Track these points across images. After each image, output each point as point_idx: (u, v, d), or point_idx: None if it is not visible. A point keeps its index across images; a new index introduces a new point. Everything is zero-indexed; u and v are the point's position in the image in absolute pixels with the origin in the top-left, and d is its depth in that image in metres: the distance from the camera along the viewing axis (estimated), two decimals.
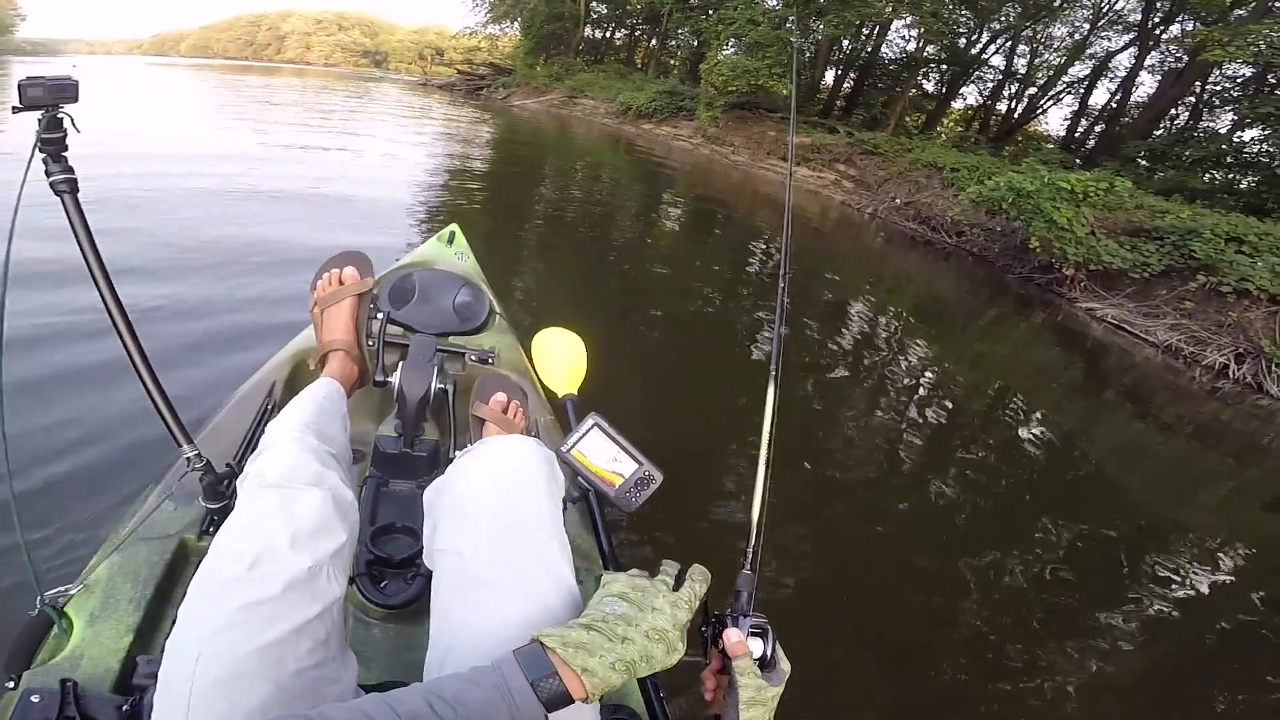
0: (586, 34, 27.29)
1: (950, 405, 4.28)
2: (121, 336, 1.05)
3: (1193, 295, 6.49)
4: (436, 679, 0.63)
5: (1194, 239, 6.81)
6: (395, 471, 1.41)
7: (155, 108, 11.93)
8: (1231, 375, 5.76)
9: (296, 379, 1.62)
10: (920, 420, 3.93)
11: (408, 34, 69.54)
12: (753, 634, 0.76)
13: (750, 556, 0.87)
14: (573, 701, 0.63)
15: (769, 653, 0.76)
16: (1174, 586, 2.77)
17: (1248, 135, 11.52)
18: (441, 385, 1.45)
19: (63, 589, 0.98)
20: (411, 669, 0.82)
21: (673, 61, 24.05)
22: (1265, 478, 4.35)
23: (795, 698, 0.76)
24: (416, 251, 2.27)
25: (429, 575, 0.98)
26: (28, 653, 0.91)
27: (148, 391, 1.08)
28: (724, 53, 14.78)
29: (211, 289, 3.40)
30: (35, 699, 0.80)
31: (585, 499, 1.32)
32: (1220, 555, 3.13)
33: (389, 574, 1.18)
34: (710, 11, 17.86)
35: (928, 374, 4.80)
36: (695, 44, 19.44)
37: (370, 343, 1.36)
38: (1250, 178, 11.11)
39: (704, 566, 0.78)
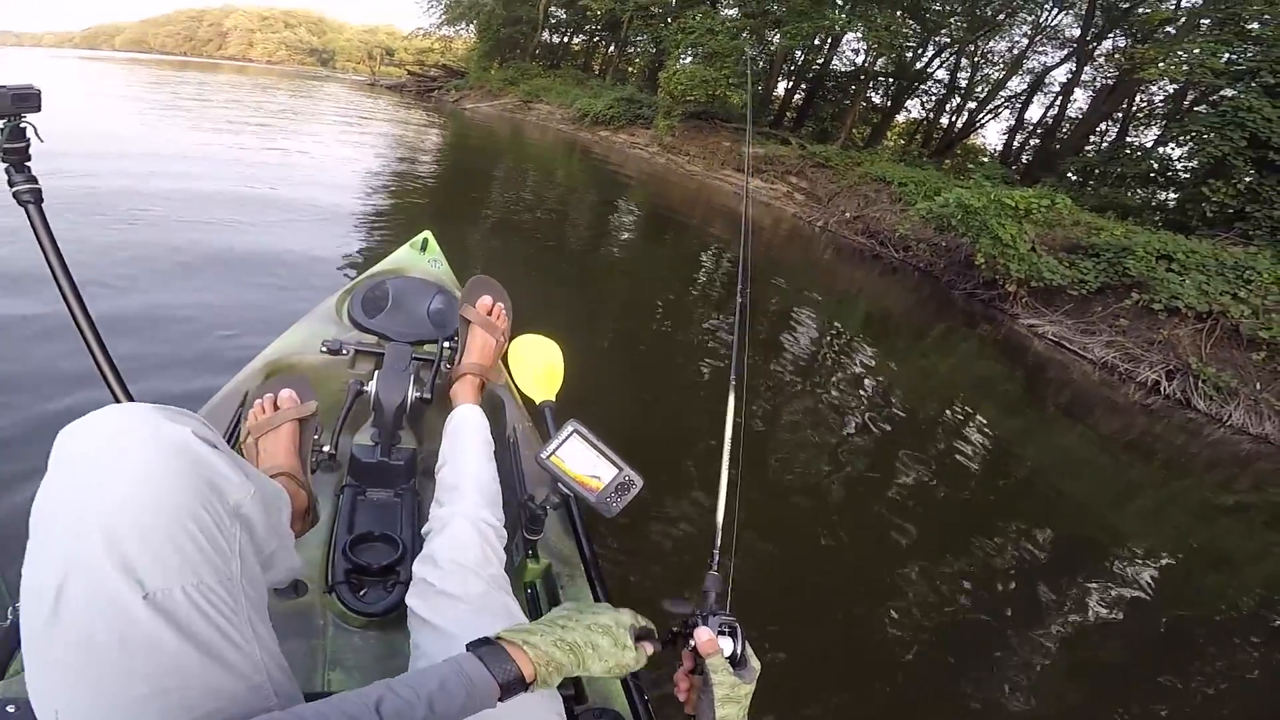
0: (544, 39, 27.08)
1: (900, 416, 4.44)
2: (90, 349, 1.05)
3: (1127, 312, 6.82)
4: (393, 679, 0.64)
5: (1128, 256, 7.14)
6: (372, 480, 1.41)
7: (91, 105, 11.34)
8: (1163, 391, 6.09)
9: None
10: (872, 430, 4.07)
11: (357, 33, 68.26)
12: (722, 633, 0.79)
13: (717, 558, 0.90)
14: (523, 678, 0.67)
15: (739, 651, 0.79)
16: (1109, 590, 2.96)
17: (1174, 152, 12.14)
18: (417, 393, 1.46)
19: None
20: (395, 675, 0.83)
21: (631, 69, 24.03)
22: (1192, 488, 4.63)
23: (764, 694, 0.80)
24: (389, 259, 2.26)
25: (409, 582, 1.01)
26: (2, 662, 0.88)
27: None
28: (682, 61, 14.90)
29: (175, 297, 3.36)
30: (10, 709, 0.77)
31: (566, 505, 1.40)
32: (1151, 561, 3.34)
33: (368, 582, 1.18)
34: (670, 20, 17.97)
35: (878, 386, 4.95)
36: (655, 51, 19.48)
37: (314, 473, 1.29)
38: (1173, 194, 11.70)
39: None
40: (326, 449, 1.36)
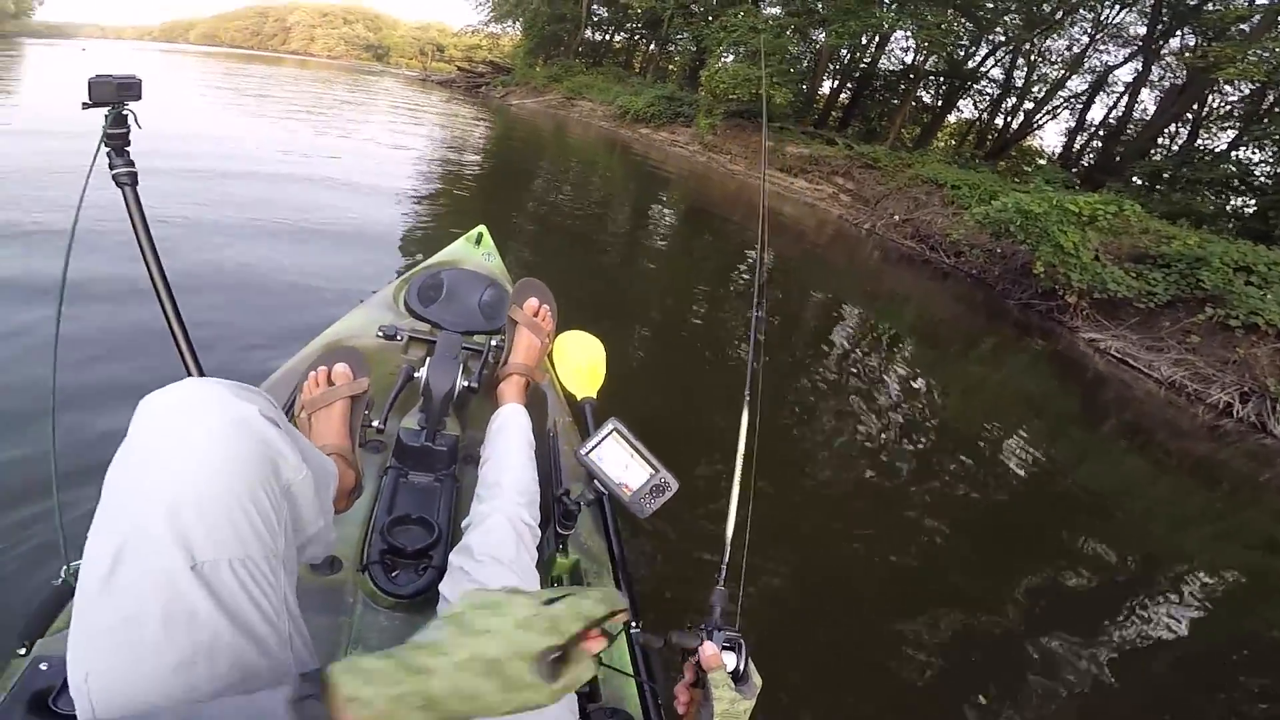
0: (586, 36, 27.32)
1: (940, 429, 4.21)
2: (169, 322, 1.13)
3: (1199, 328, 6.33)
4: (201, 704, 0.52)
5: (1202, 268, 6.65)
6: (415, 464, 1.43)
7: (172, 95, 11.80)
8: (1235, 414, 5.60)
9: None
10: (909, 442, 3.87)
11: (410, 29, 70.17)
12: (726, 648, 0.77)
13: (724, 572, 0.89)
14: None
15: (741, 666, 0.77)
16: (1153, 618, 2.76)
17: (1253, 156, 11.41)
18: (465, 382, 1.49)
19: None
20: None
21: (671, 67, 24.07)
22: (1260, 518, 4.24)
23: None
24: (445, 250, 2.32)
25: (441, 568, 1.06)
26: (44, 621, 0.92)
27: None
28: (724, 60, 14.60)
29: (255, 271, 3.55)
30: (44, 666, 0.81)
31: (599, 502, 1.43)
32: (1203, 592, 3.09)
33: (401, 564, 1.18)
34: (712, 18, 17.71)
35: (920, 396, 4.70)
36: (695, 50, 19.27)
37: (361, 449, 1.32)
38: (1253, 201, 10.99)
39: (615, 591, 0.67)
40: (376, 424, 1.40)
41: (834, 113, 18.35)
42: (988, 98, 18.32)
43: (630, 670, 1.09)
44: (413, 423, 1.47)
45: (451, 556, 1.05)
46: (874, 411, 4.12)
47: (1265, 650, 2.80)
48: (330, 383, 1.27)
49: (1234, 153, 12.64)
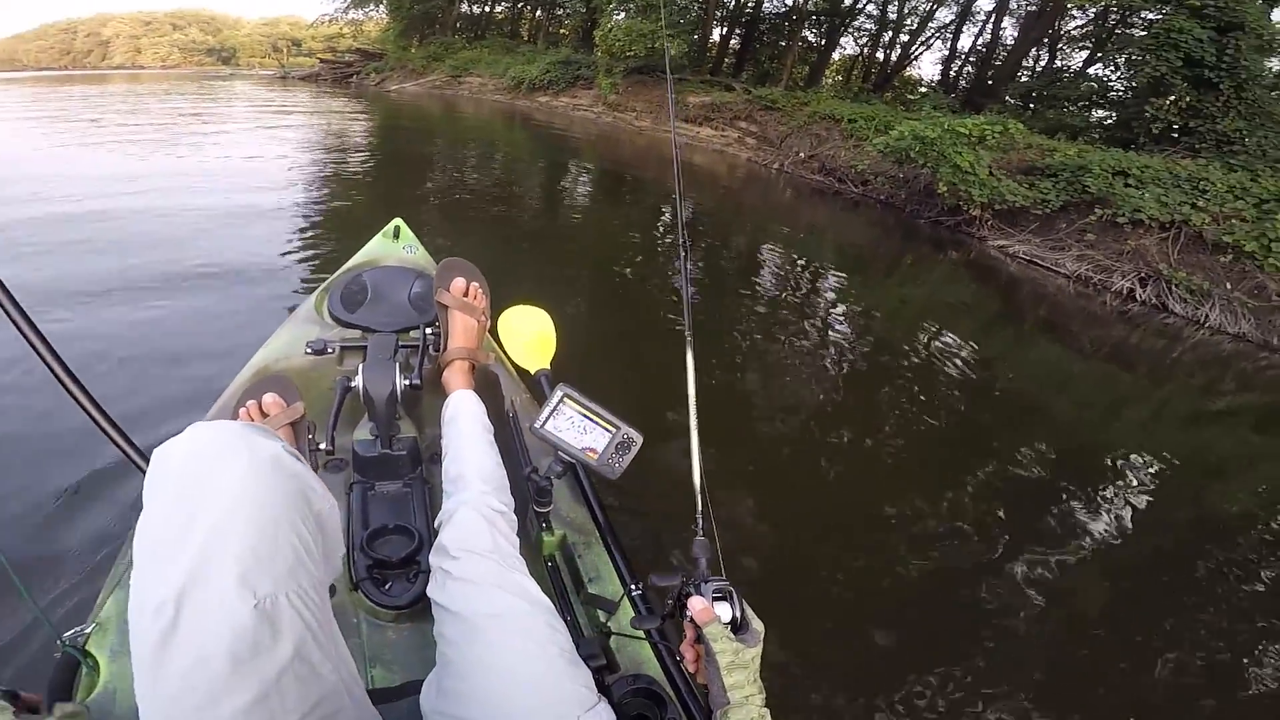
0: (464, 10, 26.07)
1: (877, 347, 4.45)
2: (55, 373, 1.02)
3: (1092, 227, 7.00)
4: None
5: (1085, 175, 7.31)
6: (379, 473, 1.40)
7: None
8: (1138, 298, 6.29)
9: None
10: (850, 364, 4.09)
11: (256, 27, 64.12)
12: (717, 599, 0.77)
13: (701, 523, 0.89)
14: None
15: (739, 615, 0.77)
16: (1104, 505, 2.95)
17: (1108, 73, 12.42)
18: (406, 381, 1.42)
19: (79, 629, 0.99)
20: (432, 665, 0.85)
21: (563, 31, 23.39)
22: (1179, 394, 4.76)
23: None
24: (362, 251, 2.21)
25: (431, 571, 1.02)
26: (66, 690, 0.93)
27: (94, 421, 1.06)
28: (616, 18, 14.52)
29: (141, 328, 3.16)
30: None
31: (572, 472, 1.39)
32: (1144, 472, 3.34)
33: (391, 575, 1.18)
34: None
35: (854, 320, 4.95)
36: (585, 10, 18.94)
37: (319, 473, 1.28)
38: (1108, 113, 11.98)
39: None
40: (324, 447, 1.33)
41: (727, 59, 18.60)
42: (867, 34, 19.04)
43: (641, 633, 1.05)
44: (365, 433, 1.43)
45: (430, 558, 1.01)
46: (812, 340, 4.34)
47: (1212, 525, 3.04)
48: (263, 414, 1.23)
49: (1090, 69, 13.79)
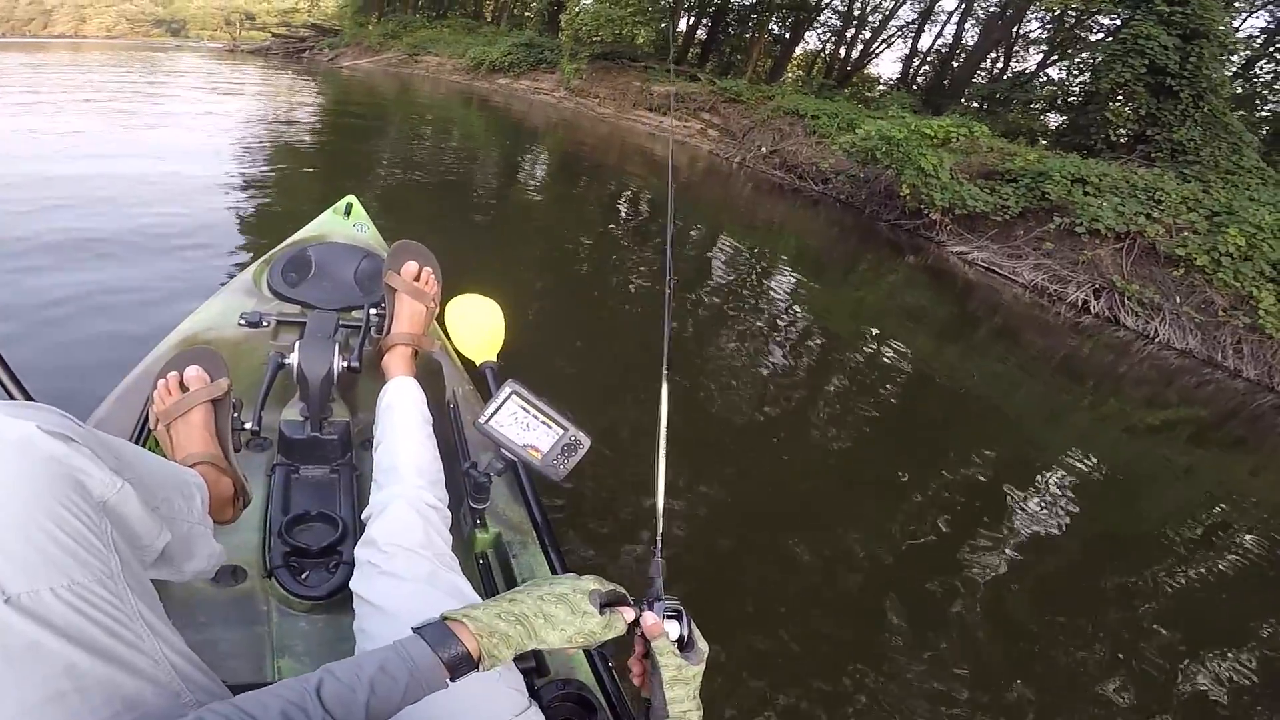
0: None
1: (834, 352, 4.46)
2: None
3: (1050, 235, 7.01)
4: (333, 663, 0.61)
5: (1045, 181, 7.31)
6: (305, 457, 1.35)
7: None
8: (1092, 310, 6.31)
9: None
10: (805, 371, 4.08)
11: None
12: (669, 617, 0.78)
13: (660, 545, 0.89)
14: (470, 655, 0.65)
15: (686, 634, 0.78)
16: (1041, 510, 3.07)
17: (1065, 76, 12.55)
18: (345, 363, 1.36)
19: None
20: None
21: (528, 13, 22.81)
22: (1123, 407, 4.80)
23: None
24: (311, 225, 2.12)
25: (354, 563, 0.99)
26: None
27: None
28: (584, 2, 14.18)
29: (69, 284, 3.03)
30: None
31: (513, 469, 1.35)
32: (1083, 480, 3.47)
33: (309, 564, 1.14)
34: None
35: (812, 326, 4.90)
36: None
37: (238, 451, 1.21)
38: (1065, 118, 12.11)
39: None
40: (249, 426, 1.26)
41: (692, 49, 18.41)
42: (830, 29, 19.05)
43: None
44: (295, 414, 1.38)
45: (357, 551, 0.99)
46: (773, 349, 4.28)
47: (1145, 530, 3.19)
48: (184, 388, 1.16)
49: (1045, 72, 13.97)
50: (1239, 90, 11.00)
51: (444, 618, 0.67)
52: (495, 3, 25.63)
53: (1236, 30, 9.96)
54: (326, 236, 2.02)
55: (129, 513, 0.71)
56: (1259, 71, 12.27)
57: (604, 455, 2.27)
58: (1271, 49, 12.11)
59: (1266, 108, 11.85)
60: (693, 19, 18.65)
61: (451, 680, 0.64)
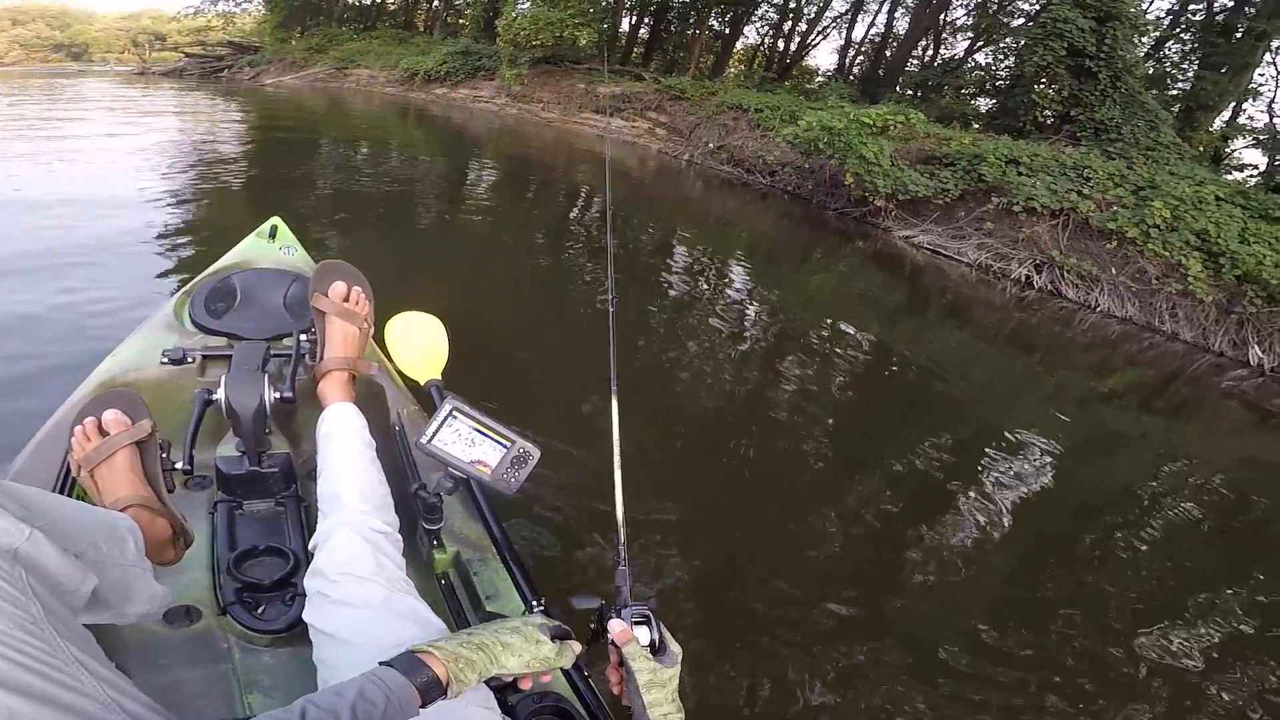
0: (350, 0, 24.64)
1: (792, 344, 4.51)
2: None
3: (990, 215, 7.31)
4: (313, 693, 0.65)
5: (981, 163, 7.63)
6: (247, 492, 1.32)
7: None
8: (1035, 285, 6.61)
9: None
10: (761, 361, 4.14)
11: (113, 20, 58.12)
12: (638, 622, 0.81)
13: (624, 552, 0.91)
14: (440, 680, 0.70)
15: (657, 638, 0.81)
16: (1005, 483, 3.10)
17: (990, 60, 13.07)
18: (277, 393, 1.31)
19: None
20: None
21: (462, 21, 22.40)
22: (1074, 375, 5.02)
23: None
24: (233, 252, 2.02)
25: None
26: None
27: None
28: (521, 6, 14.10)
29: None
30: None
31: (466, 487, 1.33)
32: (1042, 451, 3.51)
33: (264, 598, 1.13)
34: None
35: (768, 318, 4.99)
36: (487, 0, 18.25)
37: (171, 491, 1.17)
38: (993, 101, 12.61)
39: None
40: (180, 466, 1.22)
41: (636, 49, 18.49)
42: (768, 22, 19.40)
43: None
44: (230, 450, 1.34)
45: (306, 582, 0.98)
46: (730, 341, 4.31)
47: (1107, 496, 3.30)
48: (103, 433, 1.12)
49: (972, 58, 14.54)
50: (1151, 70, 11.59)
51: (411, 650, 0.73)
52: (426, 12, 25.05)
53: (1146, 12, 10.47)
54: (251, 262, 1.93)
55: (43, 558, 0.70)
56: (1168, 52, 12.95)
57: (562, 467, 2.21)
58: (1177, 30, 12.81)
59: (1176, 86, 12.50)
60: (635, 18, 18.76)
61: (423, 706, 0.68)
